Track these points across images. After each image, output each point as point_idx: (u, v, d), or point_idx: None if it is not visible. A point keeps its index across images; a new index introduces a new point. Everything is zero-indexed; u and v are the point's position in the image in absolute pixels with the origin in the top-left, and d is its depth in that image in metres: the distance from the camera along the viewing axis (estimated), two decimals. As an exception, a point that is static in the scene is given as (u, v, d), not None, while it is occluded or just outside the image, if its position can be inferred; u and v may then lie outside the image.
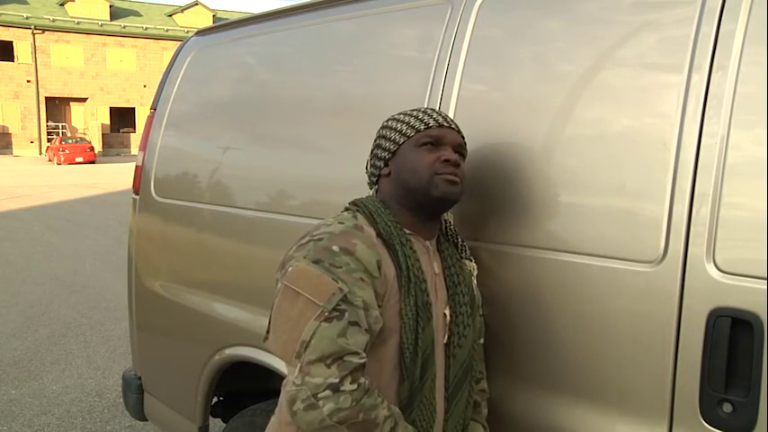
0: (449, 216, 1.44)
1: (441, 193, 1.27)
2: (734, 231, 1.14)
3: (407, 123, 1.33)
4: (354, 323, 1.13)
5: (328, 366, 1.09)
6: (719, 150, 1.16)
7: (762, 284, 1.09)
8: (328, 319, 1.12)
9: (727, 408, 1.13)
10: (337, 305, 1.13)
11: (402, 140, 1.33)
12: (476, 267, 1.43)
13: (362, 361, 1.12)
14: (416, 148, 1.31)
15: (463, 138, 1.37)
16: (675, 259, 1.19)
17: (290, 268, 1.19)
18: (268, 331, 1.22)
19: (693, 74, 1.22)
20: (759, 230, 1.10)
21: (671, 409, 1.20)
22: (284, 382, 1.18)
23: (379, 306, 1.20)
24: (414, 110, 1.36)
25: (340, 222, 1.25)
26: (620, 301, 1.26)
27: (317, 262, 1.17)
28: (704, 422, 1.16)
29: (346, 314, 1.13)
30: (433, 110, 1.35)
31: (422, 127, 1.31)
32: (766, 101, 1.13)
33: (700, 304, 1.16)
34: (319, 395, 1.07)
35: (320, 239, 1.20)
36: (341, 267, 1.16)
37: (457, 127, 1.35)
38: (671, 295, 1.19)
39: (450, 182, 1.27)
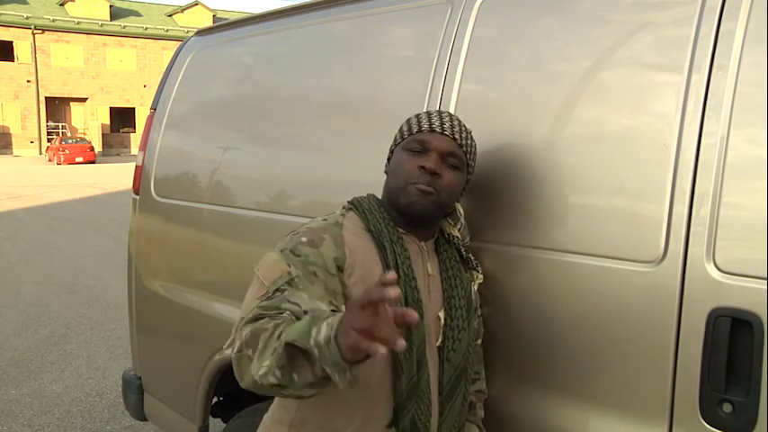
0: (453, 230, 1.39)
1: (407, 202, 1.26)
2: (734, 231, 1.14)
3: (408, 125, 1.34)
4: (293, 303, 1.14)
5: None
6: (719, 150, 1.16)
7: (762, 284, 1.09)
8: (269, 298, 1.15)
9: (727, 408, 1.13)
10: (280, 287, 1.16)
11: (398, 142, 1.35)
12: (481, 278, 1.42)
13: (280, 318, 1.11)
14: (403, 151, 1.31)
15: (462, 145, 1.31)
16: (675, 259, 1.19)
17: (264, 256, 1.25)
18: None
19: (693, 73, 1.22)
20: (759, 230, 1.10)
21: (671, 409, 1.20)
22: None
23: (334, 304, 1.19)
24: (425, 112, 1.35)
25: (324, 219, 1.29)
26: (620, 301, 1.26)
27: (282, 250, 1.22)
28: (704, 422, 1.16)
29: (286, 292, 1.15)
30: (440, 113, 1.32)
31: (414, 130, 1.31)
32: (766, 101, 1.13)
33: (700, 304, 1.16)
34: (236, 343, 1.09)
35: (297, 233, 1.25)
36: (299, 256, 1.20)
37: (454, 133, 1.30)
38: (671, 295, 1.19)
39: (420, 192, 1.25)
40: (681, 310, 1.18)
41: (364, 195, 1.37)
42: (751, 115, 1.14)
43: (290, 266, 1.18)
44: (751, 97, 1.14)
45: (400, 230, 1.31)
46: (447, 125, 1.30)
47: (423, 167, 1.26)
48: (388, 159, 1.38)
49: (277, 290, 1.16)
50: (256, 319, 1.11)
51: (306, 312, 1.13)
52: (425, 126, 1.30)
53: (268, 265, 1.21)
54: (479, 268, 1.42)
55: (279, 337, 1.01)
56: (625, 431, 1.26)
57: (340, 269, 1.22)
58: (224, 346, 1.16)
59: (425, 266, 1.32)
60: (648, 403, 1.23)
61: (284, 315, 1.11)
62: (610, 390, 1.29)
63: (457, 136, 1.30)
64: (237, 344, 1.08)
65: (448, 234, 1.38)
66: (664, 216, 1.21)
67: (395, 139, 1.37)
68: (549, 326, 1.37)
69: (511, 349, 1.45)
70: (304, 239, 1.22)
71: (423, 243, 1.33)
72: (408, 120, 1.36)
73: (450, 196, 1.30)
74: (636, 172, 1.25)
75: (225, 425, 2.33)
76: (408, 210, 1.27)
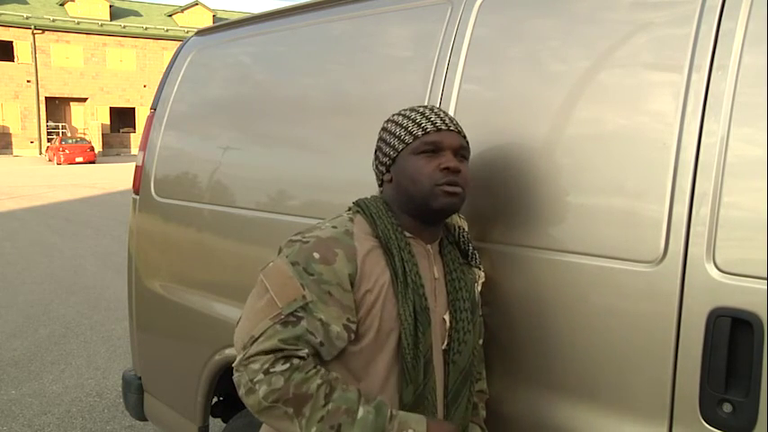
0: (461, 221, 1.41)
1: (440, 205, 1.25)
2: (734, 231, 1.14)
3: (406, 128, 1.29)
4: (310, 333, 1.16)
5: (266, 355, 1.14)
6: (719, 150, 1.16)
7: (762, 284, 1.09)
8: (284, 323, 1.16)
9: (727, 408, 1.13)
10: (296, 311, 1.16)
11: (401, 147, 1.29)
12: (483, 276, 1.42)
13: (301, 354, 1.16)
14: (415, 156, 1.27)
15: (464, 137, 1.32)
16: (675, 259, 1.19)
17: (271, 263, 1.24)
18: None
19: (693, 73, 1.21)
20: (759, 230, 1.10)
21: (671, 409, 1.20)
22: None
23: (351, 320, 1.21)
24: (412, 111, 1.31)
25: (333, 227, 1.26)
26: (620, 301, 1.26)
27: (294, 264, 1.20)
28: (704, 422, 1.16)
29: (303, 322, 1.16)
30: (432, 109, 1.30)
31: (420, 133, 1.27)
32: (766, 101, 1.13)
33: (700, 304, 1.16)
34: (255, 380, 1.13)
35: (307, 242, 1.23)
36: (313, 275, 1.19)
37: (457, 127, 1.30)
38: (671, 295, 1.19)
39: (449, 193, 1.24)
40: (681, 310, 1.18)
41: (369, 197, 1.35)
42: (751, 115, 1.14)
43: (304, 288, 1.17)
44: (751, 97, 1.14)
45: (407, 235, 1.30)
46: (448, 120, 1.30)
47: (447, 168, 1.25)
48: (387, 166, 1.32)
49: (291, 314, 1.16)
50: (275, 351, 1.14)
51: (322, 344, 1.17)
52: (430, 127, 1.27)
53: (279, 279, 1.20)
54: (481, 266, 1.42)
55: (326, 405, 1.12)
56: (625, 431, 1.26)
57: (353, 284, 1.21)
58: (234, 365, 1.17)
59: (432, 270, 1.31)
60: (648, 403, 1.23)
61: (309, 360, 1.16)
62: (610, 389, 1.29)
63: (459, 129, 1.31)
64: (269, 391, 1.11)
65: (459, 228, 1.38)
66: (664, 216, 1.21)
67: (392, 146, 1.30)
68: (549, 326, 1.37)
69: (511, 349, 1.45)
70: (316, 256, 1.20)
71: (429, 246, 1.32)
72: (402, 124, 1.30)
73: (469, 189, 1.31)
74: (636, 172, 1.25)
75: (225, 425, 2.33)
76: (442, 211, 1.27)
